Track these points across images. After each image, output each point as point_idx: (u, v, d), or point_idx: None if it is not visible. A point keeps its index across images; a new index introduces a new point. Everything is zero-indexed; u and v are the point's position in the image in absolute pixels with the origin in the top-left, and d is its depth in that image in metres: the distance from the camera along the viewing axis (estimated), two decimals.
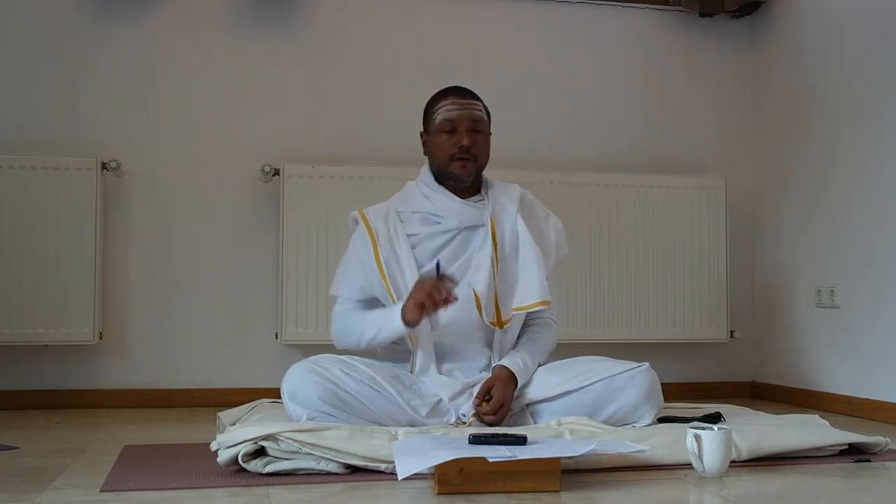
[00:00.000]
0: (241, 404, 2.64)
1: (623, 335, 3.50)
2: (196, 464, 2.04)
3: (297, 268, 3.27)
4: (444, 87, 2.53)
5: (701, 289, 3.57)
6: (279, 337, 3.28)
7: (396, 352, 2.46)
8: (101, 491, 1.81)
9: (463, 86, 2.53)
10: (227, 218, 3.38)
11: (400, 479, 1.72)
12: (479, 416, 2.29)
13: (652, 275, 3.54)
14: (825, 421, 2.44)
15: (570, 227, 2.75)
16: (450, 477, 1.74)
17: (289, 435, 1.93)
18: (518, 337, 2.50)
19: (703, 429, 1.92)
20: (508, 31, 3.64)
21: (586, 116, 3.67)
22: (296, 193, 3.30)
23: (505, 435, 1.90)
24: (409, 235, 2.47)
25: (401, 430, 2.14)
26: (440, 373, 2.38)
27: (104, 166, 3.23)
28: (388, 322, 2.33)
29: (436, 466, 1.74)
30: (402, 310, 2.30)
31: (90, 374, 3.26)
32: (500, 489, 1.76)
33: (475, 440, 1.87)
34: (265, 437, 1.93)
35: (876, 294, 3.09)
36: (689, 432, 1.91)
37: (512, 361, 2.38)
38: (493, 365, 2.40)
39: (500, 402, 2.28)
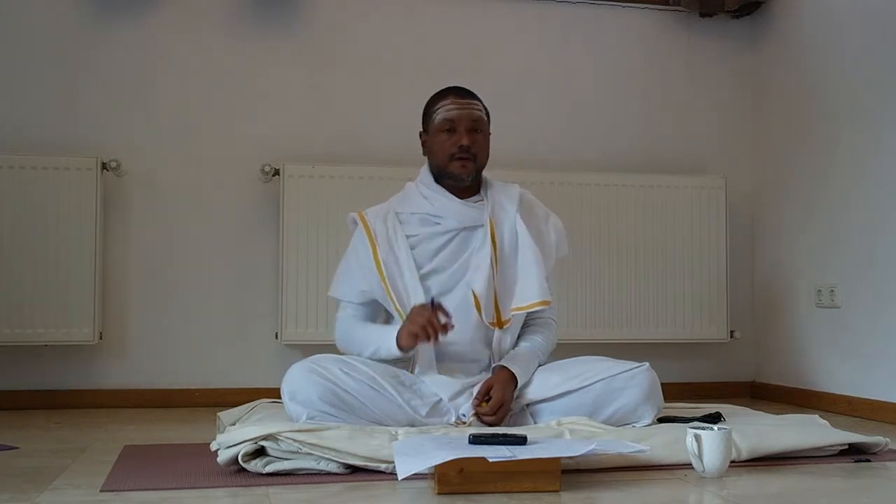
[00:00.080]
0: (241, 404, 2.64)
1: (623, 335, 3.50)
2: (196, 464, 2.04)
3: (297, 268, 3.27)
4: (443, 87, 2.53)
5: (701, 289, 3.57)
6: (279, 337, 3.28)
7: None
8: (101, 491, 1.81)
9: (462, 86, 2.53)
10: (227, 218, 3.38)
11: (400, 479, 1.72)
12: (479, 417, 2.29)
13: (652, 275, 3.54)
14: (825, 421, 2.44)
15: (570, 227, 2.75)
16: (450, 477, 1.74)
17: (289, 435, 1.93)
18: (518, 337, 2.50)
19: (703, 429, 1.92)
20: (508, 31, 3.64)
21: (586, 116, 3.67)
22: (296, 193, 3.30)
23: (505, 435, 1.90)
24: (408, 236, 2.47)
25: (401, 430, 2.14)
26: (440, 373, 2.38)
27: (104, 166, 3.23)
28: (385, 342, 2.35)
29: (436, 466, 1.74)
30: (398, 335, 2.31)
31: (90, 374, 3.26)
32: (500, 489, 1.76)
33: (475, 440, 1.87)
34: (265, 437, 1.93)
35: (876, 294, 3.09)
36: (689, 432, 1.91)
37: (512, 361, 2.38)
38: (493, 365, 2.40)
39: (499, 403, 2.28)
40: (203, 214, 3.37)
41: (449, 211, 2.48)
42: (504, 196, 2.53)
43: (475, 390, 2.33)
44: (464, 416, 2.31)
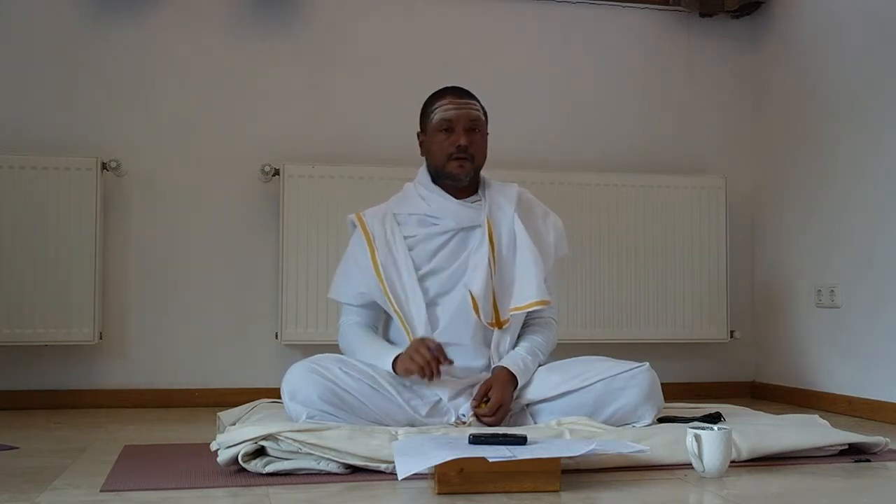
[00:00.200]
0: (241, 404, 2.64)
1: (623, 335, 3.50)
2: (196, 464, 2.04)
3: (297, 268, 3.27)
4: (441, 87, 2.53)
5: (701, 289, 3.57)
6: (279, 337, 3.28)
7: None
8: (101, 491, 1.81)
9: (460, 86, 2.53)
10: (227, 218, 3.38)
11: (400, 479, 1.72)
12: (478, 418, 2.29)
13: (652, 275, 3.54)
14: (825, 421, 2.44)
15: (570, 227, 2.75)
16: (450, 477, 1.74)
17: (289, 435, 1.93)
18: (518, 337, 2.50)
19: (703, 429, 1.92)
20: (508, 31, 3.64)
21: (586, 116, 3.67)
22: (296, 193, 3.30)
23: (505, 435, 1.90)
24: (406, 237, 2.47)
25: (401, 430, 2.14)
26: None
27: (104, 166, 3.23)
28: (383, 362, 2.34)
29: (436, 466, 1.74)
30: (396, 362, 2.31)
31: (90, 374, 3.26)
32: (500, 489, 1.76)
33: (475, 440, 1.87)
34: (265, 437, 1.93)
35: (876, 294, 3.09)
36: (689, 432, 1.91)
37: (512, 362, 2.38)
38: (493, 366, 2.40)
39: (498, 404, 2.28)
40: (203, 214, 3.37)
41: (446, 211, 2.48)
42: (502, 196, 2.52)
43: (475, 390, 2.33)
44: (463, 416, 2.31)
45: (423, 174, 2.55)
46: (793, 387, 3.49)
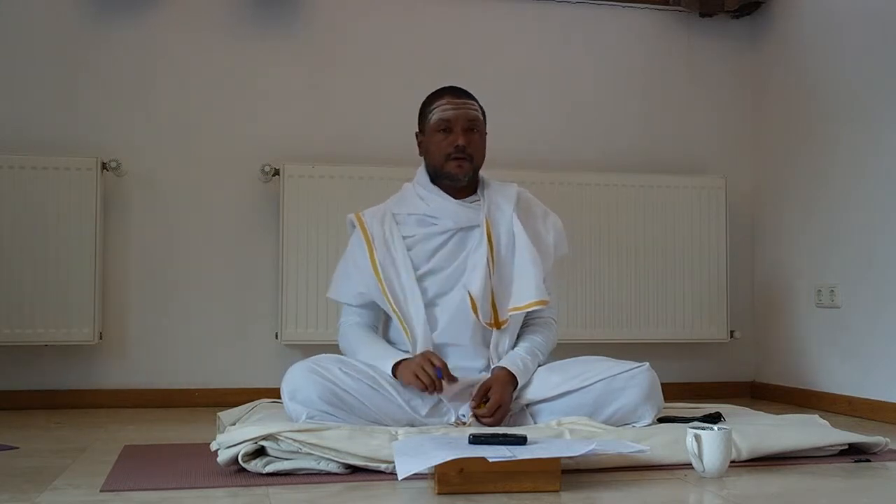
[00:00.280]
0: (241, 404, 2.64)
1: (623, 335, 3.50)
2: (196, 464, 2.04)
3: (297, 268, 3.27)
4: (439, 87, 2.53)
5: (701, 289, 3.57)
6: (279, 337, 3.28)
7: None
8: (101, 491, 1.81)
9: (458, 85, 2.53)
10: (227, 218, 3.38)
11: (400, 479, 1.72)
12: (478, 418, 2.29)
13: (652, 275, 3.54)
14: (825, 421, 2.44)
15: (570, 227, 2.76)
16: (450, 477, 1.74)
17: (289, 435, 1.93)
18: (518, 337, 2.50)
19: (703, 429, 1.92)
20: (508, 31, 3.64)
21: (586, 116, 3.67)
22: (296, 193, 3.30)
23: (505, 435, 1.90)
24: (404, 237, 2.47)
25: (401, 430, 2.14)
26: None
27: (104, 166, 3.23)
28: (383, 365, 2.33)
29: (436, 466, 1.74)
30: (398, 369, 2.30)
31: (90, 374, 3.26)
32: (500, 489, 1.76)
33: (475, 440, 1.87)
34: (265, 437, 1.93)
35: (876, 294, 3.09)
36: (689, 432, 1.91)
37: (511, 362, 2.37)
38: (493, 366, 2.40)
39: (497, 404, 2.28)
40: (203, 214, 3.37)
41: (445, 211, 2.48)
42: (501, 196, 2.52)
43: (475, 391, 2.33)
44: (463, 416, 2.31)
45: (421, 174, 2.55)
46: (793, 387, 3.49)
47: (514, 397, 2.34)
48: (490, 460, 1.72)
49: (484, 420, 2.28)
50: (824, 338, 3.34)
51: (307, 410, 2.21)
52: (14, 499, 1.74)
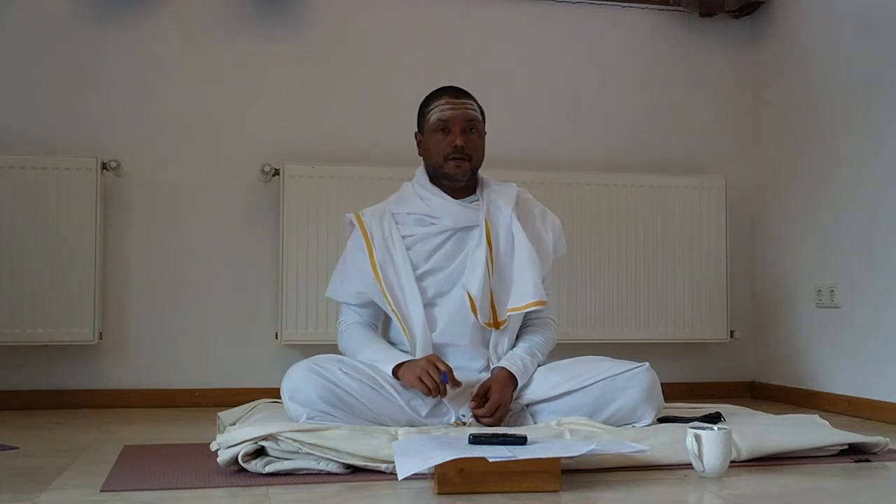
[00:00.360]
0: (241, 404, 2.64)
1: (623, 335, 3.49)
2: (196, 464, 2.04)
3: (297, 268, 3.27)
4: (438, 87, 2.53)
5: (701, 289, 3.57)
6: (279, 337, 3.28)
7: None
8: (101, 491, 1.81)
9: (457, 85, 2.53)
10: (227, 218, 3.38)
11: (400, 479, 1.72)
12: (477, 418, 2.29)
13: (652, 275, 3.54)
14: (825, 421, 2.43)
15: (570, 227, 2.76)
16: (450, 477, 1.74)
17: (289, 435, 1.93)
18: (517, 337, 2.50)
19: (703, 429, 1.92)
20: (508, 30, 3.63)
21: (586, 116, 3.67)
22: (296, 193, 3.30)
23: (505, 435, 1.90)
24: (404, 237, 2.47)
25: (401, 430, 2.14)
26: None
27: (104, 166, 3.23)
28: (384, 366, 2.33)
29: (436, 466, 1.74)
30: (400, 371, 2.30)
31: (90, 374, 3.26)
32: (500, 489, 1.76)
33: (475, 440, 1.87)
34: (265, 437, 1.93)
35: (876, 294, 3.09)
36: (689, 432, 1.91)
37: (511, 362, 2.38)
38: (493, 366, 2.40)
39: (497, 404, 2.28)
40: (203, 214, 3.37)
41: (444, 211, 2.47)
42: (500, 196, 2.52)
43: (474, 391, 2.33)
44: (463, 416, 2.31)
45: (420, 174, 2.55)
46: (793, 387, 3.49)
47: (513, 397, 2.34)
48: (490, 460, 1.72)
49: (484, 420, 2.28)
50: (824, 338, 3.34)
51: (307, 411, 2.20)
52: (14, 499, 1.74)
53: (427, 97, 2.53)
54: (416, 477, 1.74)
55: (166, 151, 3.35)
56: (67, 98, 3.29)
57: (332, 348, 2.53)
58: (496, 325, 2.42)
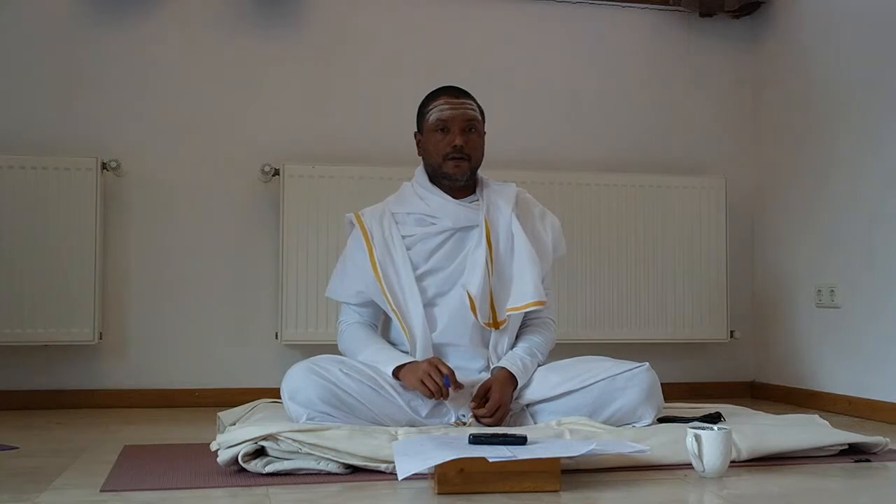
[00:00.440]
0: (241, 404, 2.64)
1: (623, 335, 3.50)
2: (196, 464, 2.04)
3: (297, 268, 3.27)
4: (437, 87, 2.53)
5: (701, 289, 3.57)
6: (279, 337, 3.28)
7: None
8: (101, 491, 1.81)
9: (457, 85, 2.53)
10: (227, 218, 3.38)
11: (400, 479, 1.72)
12: (477, 418, 2.29)
13: (652, 275, 3.54)
14: (825, 421, 2.43)
15: (570, 227, 2.76)
16: (450, 477, 1.74)
17: (289, 435, 1.93)
18: (517, 337, 2.50)
19: (703, 429, 1.92)
20: (508, 30, 3.63)
21: (586, 116, 3.67)
22: (296, 193, 3.30)
23: (505, 435, 1.90)
24: (403, 237, 2.47)
25: (401, 430, 2.14)
26: None
27: (104, 166, 3.23)
28: (385, 367, 2.33)
29: (436, 466, 1.74)
30: (402, 372, 2.29)
31: (90, 374, 3.26)
32: (500, 489, 1.76)
33: (475, 440, 1.87)
34: (265, 437, 1.93)
35: (876, 294, 3.09)
36: (689, 432, 1.91)
37: (511, 362, 2.38)
38: (493, 366, 2.40)
39: (497, 404, 2.28)
40: (203, 214, 3.37)
41: (444, 211, 2.47)
42: (500, 196, 2.52)
43: (474, 391, 2.33)
44: (463, 416, 2.31)
45: (420, 174, 2.55)
46: (793, 387, 3.49)
47: (513, 397, 2.34)
48: (490, 460, 1.72)
49: (484, 420, 2.28)
50: (824, 338, 3.34)
51: (307, 411, 2.20)
52: (14, 499, 1.74)
53: (426, 97, 2.53)
54: (416, 477, 1.74)
55: (166, 151, 3.35)
56: (67, 98, 3.29)
57: (332, 348, 2.53)
58: (496, 325, 2.42)
